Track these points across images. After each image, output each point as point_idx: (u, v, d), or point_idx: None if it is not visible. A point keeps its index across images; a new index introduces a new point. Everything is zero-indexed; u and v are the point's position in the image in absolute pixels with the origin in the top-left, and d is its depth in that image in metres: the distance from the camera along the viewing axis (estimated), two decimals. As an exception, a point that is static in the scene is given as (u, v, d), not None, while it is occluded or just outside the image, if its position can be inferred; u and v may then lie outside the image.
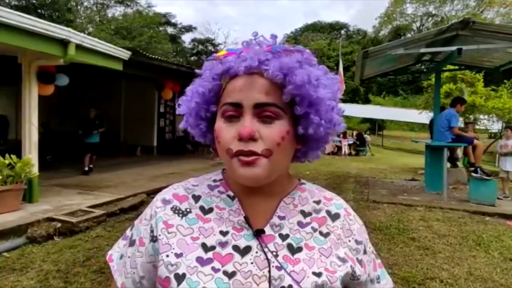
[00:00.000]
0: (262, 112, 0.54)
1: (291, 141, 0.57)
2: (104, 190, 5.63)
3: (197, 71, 0.62)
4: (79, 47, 4.66)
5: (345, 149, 14.54)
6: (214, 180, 0.65)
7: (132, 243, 0.63)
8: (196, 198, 0.62)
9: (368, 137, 16.50)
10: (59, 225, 3.82)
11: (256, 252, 0.56)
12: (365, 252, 0.63)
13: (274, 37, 0.58)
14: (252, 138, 0.52)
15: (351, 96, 30.76)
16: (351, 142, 15.46)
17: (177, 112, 0.64)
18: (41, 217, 3.98)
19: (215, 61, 0.59)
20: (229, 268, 0.54)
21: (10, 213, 4.13)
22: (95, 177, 6.75)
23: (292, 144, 0.58)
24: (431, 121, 7.37)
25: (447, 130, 6.04)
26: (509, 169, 5.93)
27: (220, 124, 0.56)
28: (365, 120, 24.82)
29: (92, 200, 4.95)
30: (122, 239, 0.67)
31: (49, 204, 4.60)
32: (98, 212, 4.34)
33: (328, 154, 14.18)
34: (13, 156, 4.34)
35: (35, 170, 4.71)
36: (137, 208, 4.93)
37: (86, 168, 7.20)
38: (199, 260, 0.55)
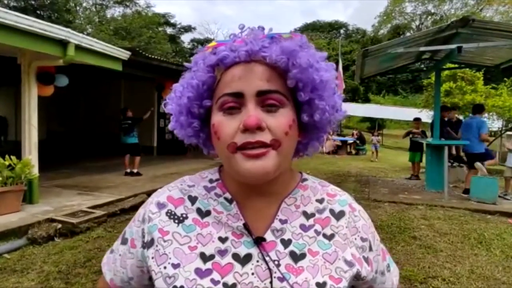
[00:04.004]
0: (265, 100, 0.50)
1: (296, 131, 0.54)
2: (105, 191, 5.62)
3: (186, 64, 0.58)
4: (78, 47, 4.65)
5: (324, 149, 13.86)
6: (211, 180, 0.61)
7: (124, 241, 0.62)
8: (193, 199, 0.59)
9: (375, 138, 13.35)
10: (59, 226, 3.81)
11: (257, 261, 0.53)
12: (370, 249, 0.60)
13: (261, 29, 0.55)
14: (259, 128, 0.48)
15: (351, 95, 30.73)
16: (351, 141, 15.45)
17: (166, 111, 0.59)
18: (42, 218, 3.97)
19: (206, 52, 0.55)
20: (229, 279, 0.51)
21: (11, 214, 4.12)
22: (95, 178, 6.74)
23: (296, 134, 0.54)
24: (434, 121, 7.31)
25: (478, 137, 5.93)
26: None
27: (218, 118, 0.51)
28: (365, 119, 24.82)
29: (92, 200, 4.94)
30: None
31: (50, 205, 4.59)
32: (98, 212, 4.33)
33: (328, 153, 14.17)
34: (13, 157, 4.33)
35: (35, 171, 4.70)
36: (137, 209, 4.87)
37: (128, 170, 7.16)
38: (198, 272, 0.52)
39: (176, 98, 0.57)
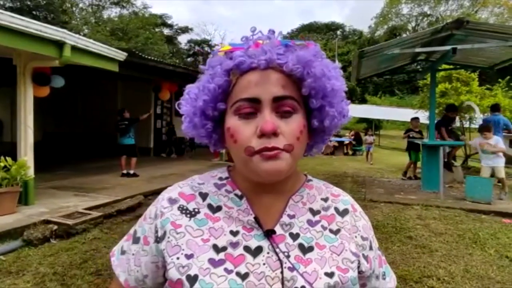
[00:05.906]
0: (280, 107, 0.53)
1: (306, 135, 0.57)
2: (101, 192, 5.60)
3: (201, 67, 0.60)
4: (74, 48, 4.64)
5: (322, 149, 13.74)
6: (220, 178, 0.63)
7: (136, 240, 0.62)
8: (204, 196, 0.61)
9: (369, 138, 12.33)
10: (55, 227, 3.80)
11: (268, 253, 0.55)
12: (371, 248, 0.63)
13: (272, 32, 0.57)
14: (274, 133, 0.51)
15: (348, 96, 30.74)
16: (347, 141, 15.48)
17: (181, 112, 0.61)
18: (37, 219, 3.95)
19: (222, 56, 0.58)
20: (242, 269, 0.54)
21: (6, 216, 4.09)
22: (91, 179, 6.71)
23: (306, 138, 0.58)
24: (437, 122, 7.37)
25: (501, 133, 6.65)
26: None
27: (234, 122, 0.54)
28: (361, 120, 24.89)
29: (88, 202, 4.92)
30: (126, 236, 0.66)
31: (45, 207, 4.57)
32: (95, 214, 4.32)
33: (327, 154, 14.20)
34: (9, 159, 4.31)
35: (30, 172, 4.67)
36: (134, 210, 4.91)
37: (124, 171, 7.13)
38: (211, 261, 0.54)
39: (191, 100, 0.59)
